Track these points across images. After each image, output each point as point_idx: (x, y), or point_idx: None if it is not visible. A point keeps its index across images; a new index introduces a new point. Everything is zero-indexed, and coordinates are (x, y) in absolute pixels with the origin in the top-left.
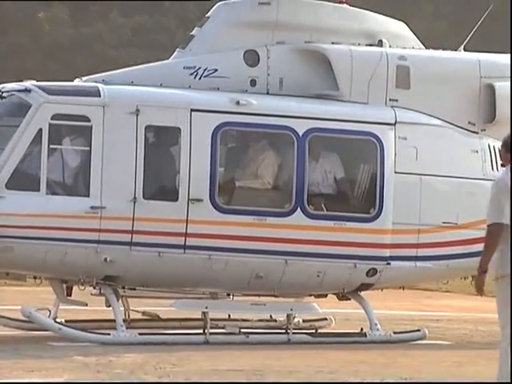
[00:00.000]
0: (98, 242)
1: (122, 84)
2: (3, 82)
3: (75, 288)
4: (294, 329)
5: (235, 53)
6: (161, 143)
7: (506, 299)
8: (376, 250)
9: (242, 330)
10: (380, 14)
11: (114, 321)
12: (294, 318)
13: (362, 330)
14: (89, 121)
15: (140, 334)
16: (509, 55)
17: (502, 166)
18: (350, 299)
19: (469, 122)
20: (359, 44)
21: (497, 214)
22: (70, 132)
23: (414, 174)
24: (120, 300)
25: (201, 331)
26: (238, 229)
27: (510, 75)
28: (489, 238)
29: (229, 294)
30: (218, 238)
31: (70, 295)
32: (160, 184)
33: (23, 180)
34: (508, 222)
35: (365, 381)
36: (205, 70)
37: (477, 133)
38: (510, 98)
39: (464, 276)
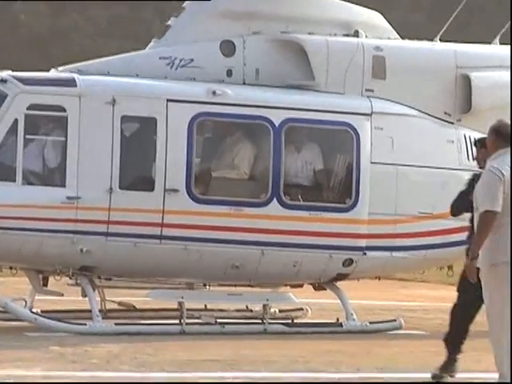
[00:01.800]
0: (74, 232)
1: (98, 74)
2: None
3: (51, 278)
4: (270, 319)
5: (211, 43)
6: (137, 133)
7: (496, 288)
8: (352, 240)
9: (218, 320)
10: (357, 4)
11: (90, 311)
12: (270, 308)
13: (337, 320)
14: (65, 111)
15: (116, 324)
16: (486, 46)
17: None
18: (326, 289)
19: (445, 113)
20: (335, 34)
21: (492, 202)
22: (46, 122)
23: (389, 164)
24: (96, 290)
25: (177, 321)
26: (214, 219)
27: (486, 66)
28: (482, 225)
29: (205, 285)
30: (194, 228)
31: (46, 285)
32: (136, 174)
33: None
34: (500, 209)
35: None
36: (181, 60)
37: (452, 123)
38: (486, 89)
39: (440, 266)
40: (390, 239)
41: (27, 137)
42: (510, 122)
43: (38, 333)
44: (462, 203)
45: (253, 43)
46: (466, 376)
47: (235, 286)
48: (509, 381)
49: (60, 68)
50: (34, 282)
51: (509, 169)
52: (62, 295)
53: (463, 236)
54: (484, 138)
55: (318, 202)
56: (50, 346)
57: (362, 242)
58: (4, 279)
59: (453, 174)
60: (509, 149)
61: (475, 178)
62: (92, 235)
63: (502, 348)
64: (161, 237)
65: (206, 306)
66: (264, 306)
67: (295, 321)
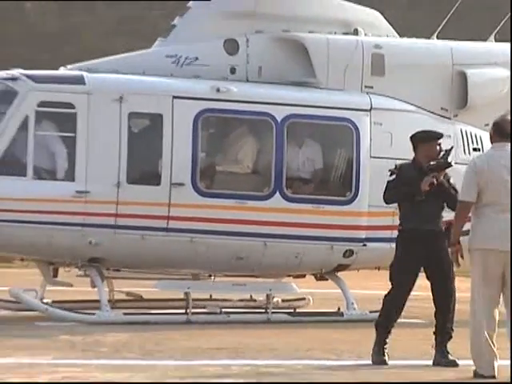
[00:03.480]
0: (83, 225)
1: (106, 72)
2: None
3: (61, 270)
4: (273, 308)
5: (215, 42)
6: (144, 129)
7: (473, 273)
8: (352, 231)
9: (223, 310)
10: (356, 3)
11: (98, 301)
12: (273, 297)
13: (339, 309)
14: (74, 108)
15: (124, 313)
16: (481, 43)
17: (474, 150)
18: (327, 279)
19: (441, 108)
20: (335, 33)
21: (463, 192)
22: (56, 119)
23: (389, 159)
24: (105, 281)
25: (183, 311)
26: (218, 212)
27: (482, 63)
28: (456, 213)
29: (210, 275)
30: (200, 220)
31: (56, 276)
32: (143, 169)
33: (10, 165)
34: (474, 200)
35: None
36: (186, 58)
37: (449, 118)
38: (481, 85)
39: None
40: (388, 231)
41: (37, 133)
42: (510, 118)
43: (49, 322)
44: (392, 193)
45: (255, 42)
46: (464, 363)
47: (239, 276)
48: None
49: (69, 66)
50: (45, 274)
51: (494, 163)
52: (72, 286)
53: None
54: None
55: (319, 195)
56: (60, 335)
57: (362, 234)
58: (16, 270)
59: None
60: (503, 143)
61: (401, 168)
62: (100, 228)
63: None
64: (167, 229)
65: (211, 296)
66: (267, 295)
67: (298, 310)
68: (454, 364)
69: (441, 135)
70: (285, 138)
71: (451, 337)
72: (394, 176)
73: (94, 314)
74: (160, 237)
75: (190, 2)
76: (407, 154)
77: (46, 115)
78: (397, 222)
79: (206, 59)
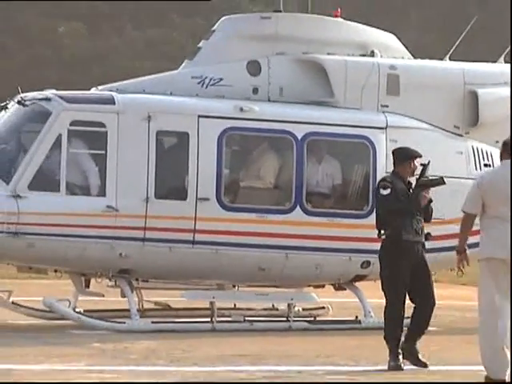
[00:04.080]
0: (114, 238)
1: (135, 92)
2: (26, 91)
3: (93, 280)
4: (294, 317)
5: (239, 63)
6: (171, 147)
7: (482, 283)
8: (369, 243)
9: (247, 318)
10: (372, 26)
11: (128, 310)
12: (294, 306)
13: (356, 317)
14: (104, 126)
15: (153, 322)
16: (491, 64)
17: (485, 165)
18: (345, 289)
19: (454, 126)
20: (353, 54)
21: (465, 204)
22: (87, 137)
23: None
24: (134, 291)
25: (208, 319)
26: (242, 225)
27: (492, 83)
28: (461, 224)
29: (234, 285)
30: (224, 233)
31: (88, 287)
32: (170, 184)
33: (44, 181)
34: (476, 212)
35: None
36: (211, 79)
37: (461, 136)
38: (492, 104)
39: (450, 267)
40: None
41: (70, 150)
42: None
43: (81, 331)
44: (397, 207)
45: (277, 63)
46: (476, 369)
47: (262, 286)
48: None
49: (100, 87)
50: (77, 284)
51: (498, 178)
52: (103, 296)
53: (471, 239)
54: None
55: (337, 209)
56: (92, 343)
57: (379, 246)
58: (50, 281)
59: (461, 183)
60: (509, 161)
61: (392, 182)
62: (130, 241)
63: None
64: (193, 242)
65: (235, 305)
66: (289, 304)
67: (317, 318)
68: (426, 365)
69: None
70: (305, 155)
71: (423, 334)
72: (388, 190)
73: (124, 322)
74: (186, 249)
75: (216, 25)
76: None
77: (78, 134)
78: None
79: (229, 80)
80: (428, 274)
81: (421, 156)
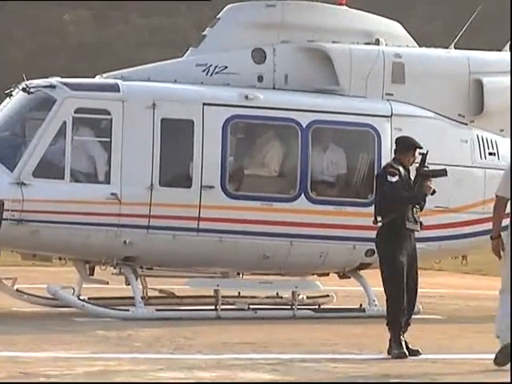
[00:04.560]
0: (118, 225)
1: (140, 80)
2: (32, 79)
3: (97, 268)
4: (298, 305)
5: (244, 51)
6: (175, 135)
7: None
8: (374, 232)
9: (251, 306)
10: (377, 14)
11: (132, 298)
12: (298, 294)
13: (361, 305)
14: (109, 114)
15: (157, 310)
16: (496, 53)
17: (490, 154)
18: (350, 277)
19: (459, 114)
20: (358, 43)
21: (503, 189)
22: (92, 124)
23: None
24: (138, 279)
25: (213, 307)
26: (246, 213)
27: (497, 71)
28: (494, 209)
29: (239, 273)
30: (229, 221)
31: (93, 275)
32: (175, 172)
33: (49, 169)
34: (508, 196)
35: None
36: (216, 67)
37: (466, 124)
38: (497, 92)
39: (455, 256)
40: None
41: (74, 138)
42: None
43: (85, 318)
44: (406, 196)
45: (282, 51)
46: (480, 357)
47: (266, 274)
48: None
49: (104, 75)
50: (82, 272)
51: None
52: (107, 283)
53: (475, 228)
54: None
55: (342, 197)
56: (96, 330)
57: None
58: (54, 269)
59: (466, 171)
60: None
61: (398, 169)
62: (134, 228)
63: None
64: (198, 229)
65: (239, 293)
66: (293, 292)
67: (322, 306)
68: (418, 353)
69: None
70: (309, 143)
71: (408, 325)
72: (397, 177)
73: (128, 310)
74: (191, 237)
75: (220, 13)
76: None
77: (83, 121)
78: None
79: (234, 68)
80: (416, 262)
81: (421, 147)
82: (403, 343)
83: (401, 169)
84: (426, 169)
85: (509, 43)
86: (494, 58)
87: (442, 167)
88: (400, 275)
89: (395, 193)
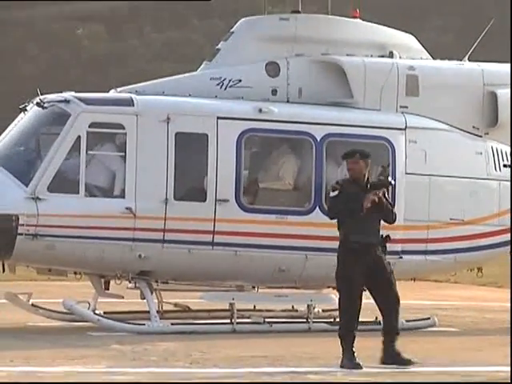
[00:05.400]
0: (133, 239)
1: (154, 94)
2: (46, 93)
3: (112, 282)
4: (314, 318)
5: (257, 65)
6: (190, 148)
7: None
8: (389, 244)
9: (266, 320)
10: (391, 27)
11: (148, 312)
12: (313, 308)
13: (376, 318)
14: (123, 128)
15: (172, 324)
16: (510, 65)
17: (504, 166)
18: (365, 290)
19: (473, 127)
20: (371, 55)
21: None
22: (106, 139)
23: (423, 175)
24: (154, 293)
25: (228, 321)
26: (261, 226)
27: (511, 83)
28: None
29: (254, 287)
30: (244, 235)
31: (108, 289)
32: (189, 186)
33: (64, 183)
34: None
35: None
36: (230, 80)
37: (481, 136)
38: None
39: (470, 268)
40: (423, 244)
41: (89, 152)
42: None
43: (101, 332)
44: (338, 209)
45: (296, 64)
46: (495, 369)
47: (282, 288)
48: None
49: (119, 89)
50: (97, 286)
51: None
52: (123, 298)
53: (491, 240)
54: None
55: None
56: (111, 345)
57: (398, 247)
58: (69, 283)
59: (481, 184)
60: None
61: (343, 184)
62: (149, 242)
63: None
64: (212, 243)
65: (254, 306)
66: (308, 306)
67: (337, 320)
68: (410, 362)
69: (358, 155)
70: (324, 156)
71: (398, 334)
72: (336, 192)
73: (143, 324)
74: (206, 251)
75: (234, 27)
76: (440, 170)
77: (97, 135)
78: (431, 235)
79: (248, 81)
80: (386, 273)
81: (355, 155)
82: (355, 354)
83: (348, 183)
84: (374, 180)
85: None
86: (508, 69)
87: (390, 179)
88: (350, 289)
89: (331, 207)
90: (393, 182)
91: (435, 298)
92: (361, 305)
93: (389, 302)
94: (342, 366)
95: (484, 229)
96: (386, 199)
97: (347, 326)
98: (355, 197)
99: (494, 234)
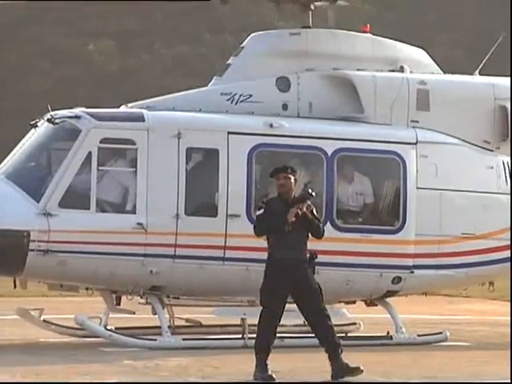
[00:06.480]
0: (144, 255)
1: (165, 109)
2: (57, 109)
3: (124, 298)
4: None
5: (268, 79)
6: (201, 164)
7: None
8: (400, 259)
9: (278, 335)
10: (401, 41)
11: (159, 327)
12: None
13: (388, 333)
14: (134, 144)
15: (184, 339)
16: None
17: None
18: (376, 305)
19: (484, 141)
20: (382, 70)
21: None
22: (117, 154)
23: (434, 189)
24: (165, 308)
25: (240, 336)
26: None
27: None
28: None
29: None
30: (255, 250)
31: (119, 304)
32: (200, 201)
33: (75, 199)
34: None
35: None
36: (240, 95)
37: (492, 150)
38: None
39: (482, 282)
40: (435, 258)
41: (100, 168)
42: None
43: (112, 348)
44: (263, 226)
45: (306, 79)
46: (504, 382)
47: (293, 302)
48: None
49: (129, 104)
50: (108, 302)
51: None
52: (134, 313)
53: (502, 254)
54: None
55: (368, 225)
56: (123, 360)
57: (410, 261)
58: (81, 299)
59: (492, 198)
60: None
61: (268, 202)
62: (160, 258)
63: None
64: (224, 258)
65: None
66: None
67: (349, 334)
68: (357, 370)
69: (289, 170)
70: (335, 171)
71: (341, 345)
72: (262, 210)
73: (155, 339)
74: (217, 266)
75: (244, 42)
76: (451, 184)
77: (108, 151)
78: (443, 249)
79: (259, 96)
80: (313, 289)
81: (287, 169)
82: (268, 367)
83: (275, 201)
84: (297, 196)
85: None
86: None
87: (310, 191)
88: (273, 304)
89: (256, 224)
90: (314, 194)
91: (447, 313)
92: (280, 320)
93: (319, 317)
94: (255, 378)
95: (495, 243)
96: (313, 214)
97: (262, 344)
98: (280, 213)
99: (505, 248)
